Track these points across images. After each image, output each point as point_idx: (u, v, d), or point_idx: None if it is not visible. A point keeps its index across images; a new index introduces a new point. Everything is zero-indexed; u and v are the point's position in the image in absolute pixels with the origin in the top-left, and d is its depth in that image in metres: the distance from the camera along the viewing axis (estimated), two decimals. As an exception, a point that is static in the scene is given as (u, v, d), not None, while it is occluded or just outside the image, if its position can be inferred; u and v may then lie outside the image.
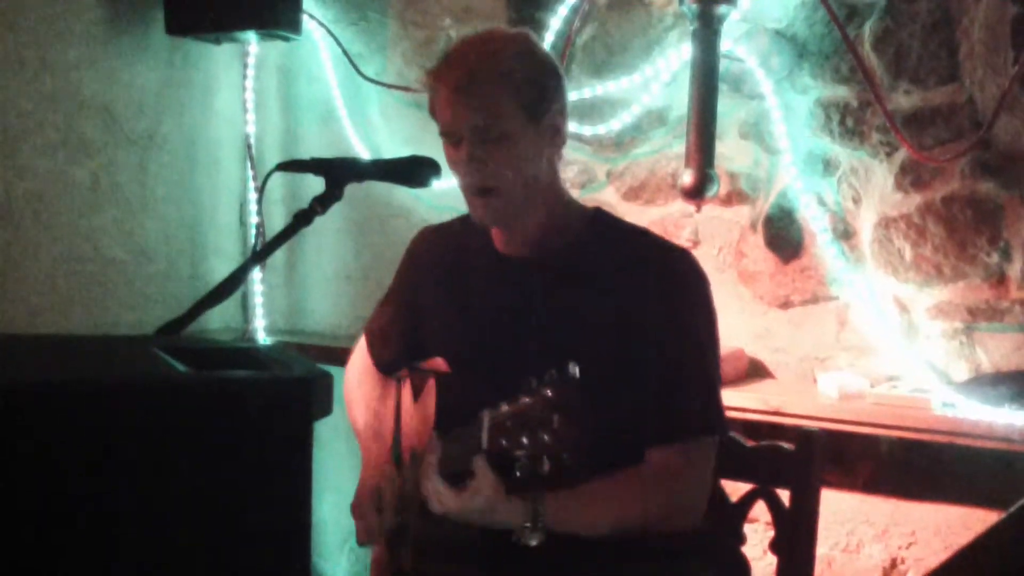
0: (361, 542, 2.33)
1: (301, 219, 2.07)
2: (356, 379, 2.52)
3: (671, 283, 2.15)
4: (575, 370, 1.76)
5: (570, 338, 2.10)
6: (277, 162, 2.13)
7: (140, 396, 1.18)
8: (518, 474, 1.80)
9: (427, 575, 2.17)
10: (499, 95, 2.09)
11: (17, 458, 1.15)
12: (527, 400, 1.78)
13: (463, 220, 2.35)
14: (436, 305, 2.36)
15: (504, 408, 1.81)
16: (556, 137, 2.17)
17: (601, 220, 2.26)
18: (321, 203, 2.09)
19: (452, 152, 2.16)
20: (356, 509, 2.31)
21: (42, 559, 1.18)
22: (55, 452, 1.15)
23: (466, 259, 2.31)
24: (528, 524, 1.95)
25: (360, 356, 2.54)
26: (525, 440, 1.77)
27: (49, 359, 1.33)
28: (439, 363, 2.35)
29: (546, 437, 1.75)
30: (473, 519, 1.98)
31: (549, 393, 1.76)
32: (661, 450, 2.09)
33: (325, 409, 1.27)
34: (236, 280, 2.02)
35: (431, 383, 2.27)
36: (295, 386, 1.25)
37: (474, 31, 2.28)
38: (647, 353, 2.08)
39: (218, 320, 3.91)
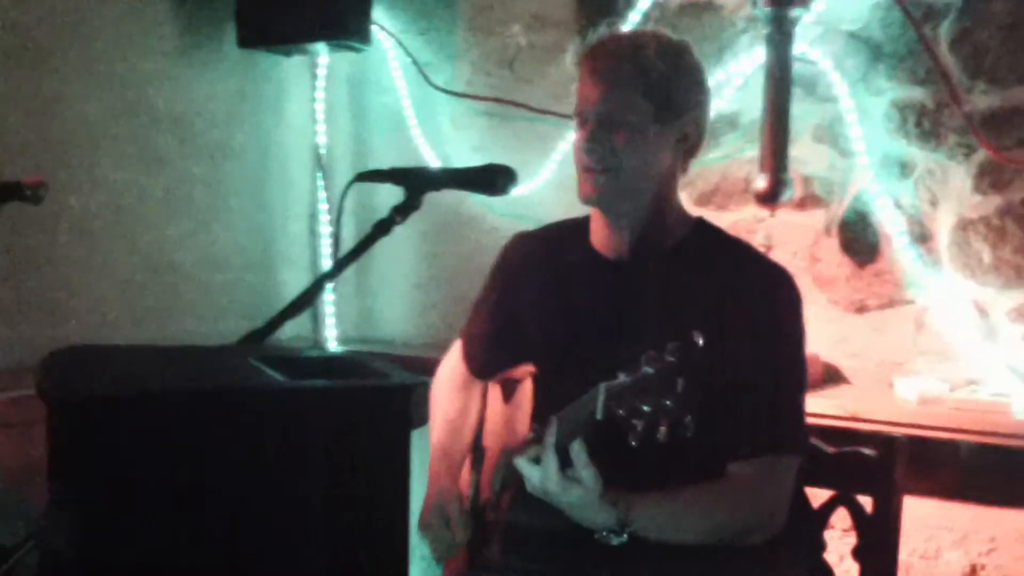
0: (438, 558, 2.33)
1: (380, 228, 2.08)
2: (442, 390, 2.52)
3: (768, 301, 2.15)
4: (699, 339, 1.75)
5: (663, 343, 2.08)
6: (347, 172, 2.15)
7: (246, 406, 1.21)
8: (633, 443, 1.78)
9: (512, 569, 2.17)
10: (631, 87, 2.12)
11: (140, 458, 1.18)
12: (649, 368, 1.77)
13: (559, 226, 2.37)
14: (533, 308, 2.35)
15: (622, 378, 1.80)
16: (682, 143, 2.19)
17: (703, 229, 2.27)
18: (400, 212, 2.10)
19: (578, 132, 2.20)
20: (424, 528, 2.32)
21: (148, 552, 1.22)
22: (165, 457, 1.18)
23: (565, 262, 2.32)
24: (615, 529, 1.95)
25: (449, 365, 2.55)
26: (645, 407, 1.76)
27: (157, 369, 1.35)
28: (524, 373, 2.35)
29: (668, 402, 1.74)
30: (563, 508, 1.97)
31: (673, 359, 1.75)
32: (746, 464, 2.08)
33: (423, 417, 1.28)
34: (317, 289, 2.04)
35: (527, 383, 2.27)
36: (395, 394, 1.26)
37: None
38: (739, 366, 2.06)
39: (289, 330, 3.92)
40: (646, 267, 2.21)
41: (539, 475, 1.95)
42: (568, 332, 2.27)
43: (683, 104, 2.17)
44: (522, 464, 1.98)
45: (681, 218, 2.27)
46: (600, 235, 2.27)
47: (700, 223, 2.29)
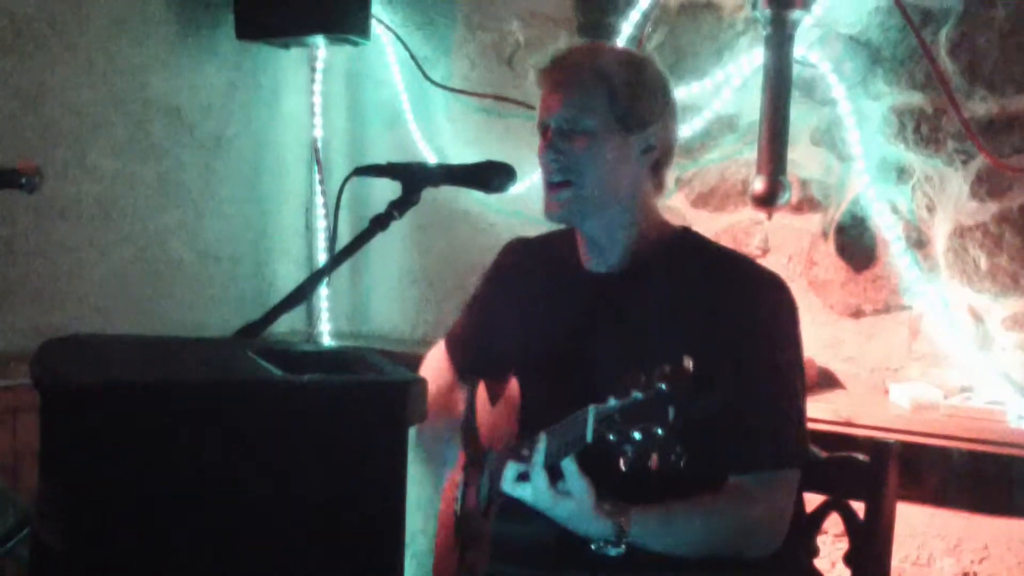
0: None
1: (378, 224, 2.07)
2: (428, 372, 2.50)
3: (766, 310, 2.11)
4: (689, 364, 1.73)
5: (648, 359, 2.05)
6: (343, 166, 2.14)
7: (243, 399, 1.21)
8: (624, 469, 1.77)
9: None
10: (592, 93, 2.09)
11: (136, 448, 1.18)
12: (639, 394, 1.75)
13: (552, 236, 2.34)
14: (516, 317, 2.33)
15: (612, 402, 1.79)
16: (647, 154, 2.14)
17: (690, 241, 2.23)
18: (398, 208, 2.09)
19: (540, 144, 2.17)
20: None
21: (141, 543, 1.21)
22: (159, 448, 1.18)
23: (551, 274, 2.29)
24: (612, 539, 1.93)
25: (434, 360, 2.53)
26: (636, 434, 1.74)
27: (155, 359, 1.34)
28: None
29: (659, 431, 1.73)
30: (558, 520, 1.96)
31: (664, 387, 1.73)
32: (747, 477, 2.05)
33: (420, 414, 1.28)
34: (315, 283, 2.03)
35: (513, 384, 2.24)
36: (393, 390, 1.26)
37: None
38: (728, 380, 2.00)
39: (284, 324, 3.91)
40: (631, 282, 2.17)
41: (530, 493, 1.94)
42: (549, 347, 2.24)
43: (647, 114, 2.12)
44: (509, 487, 1.97)
45: (663, 230, 2.22)
46: (583, 250, 2.24)
47: (686, 233, 2.24)
